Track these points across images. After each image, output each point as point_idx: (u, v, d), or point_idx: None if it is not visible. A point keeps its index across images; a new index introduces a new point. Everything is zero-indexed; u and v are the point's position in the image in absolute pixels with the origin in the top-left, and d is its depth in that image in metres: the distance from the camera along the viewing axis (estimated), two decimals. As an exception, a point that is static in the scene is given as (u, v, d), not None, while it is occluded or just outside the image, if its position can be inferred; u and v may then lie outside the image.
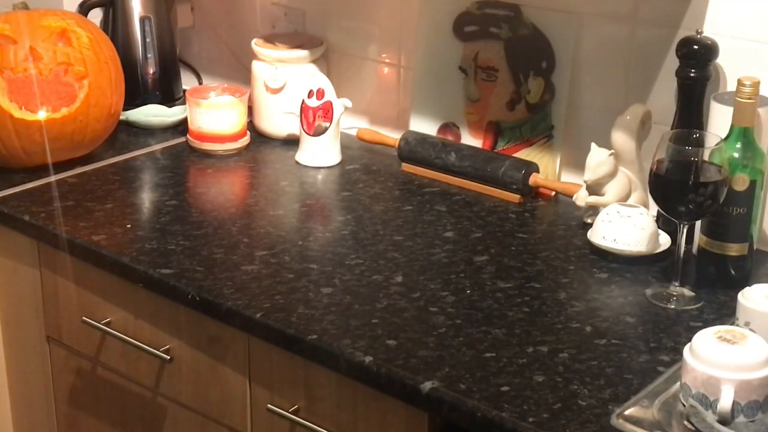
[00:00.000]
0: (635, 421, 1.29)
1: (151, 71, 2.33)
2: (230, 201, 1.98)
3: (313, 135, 2.06)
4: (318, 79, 2.08)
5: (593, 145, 1.77)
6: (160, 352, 1.70)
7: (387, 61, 2.18)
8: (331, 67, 2.23)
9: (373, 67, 2.20)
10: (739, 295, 1.44)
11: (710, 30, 1.71)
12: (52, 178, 1.98)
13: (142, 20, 2.31)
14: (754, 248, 1.64)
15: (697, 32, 1.68)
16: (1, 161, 2.00)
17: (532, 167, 1.92)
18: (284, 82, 2.14)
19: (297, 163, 2.08)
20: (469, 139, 2.04)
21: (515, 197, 1.91)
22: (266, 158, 2.13)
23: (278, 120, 2.16)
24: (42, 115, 1.97)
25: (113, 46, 2.12)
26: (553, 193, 1.93)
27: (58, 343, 1.90)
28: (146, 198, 1.99)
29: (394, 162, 2.07)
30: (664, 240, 1.71)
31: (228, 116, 2.11)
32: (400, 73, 2.17)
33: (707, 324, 1.47)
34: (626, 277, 1.64)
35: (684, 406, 1.30)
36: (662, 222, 1.73)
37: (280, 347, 1.52)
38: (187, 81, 2.46)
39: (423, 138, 2.03)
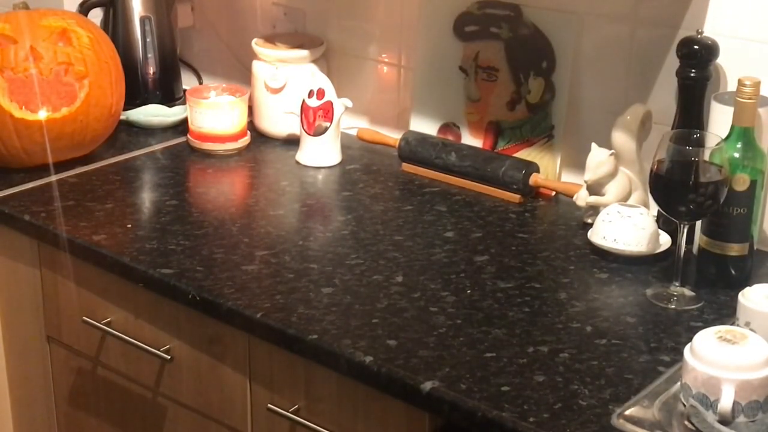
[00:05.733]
0: (636, 421, 1.29)
1: (151, 71, 2.33)
2: (230, 201, 1.98)
3: (314, 135, 2.06)
4: (318, 79, 2.08)
5: (593, 145, 1.77)
6: (161, 351, 1.70)
7: (387, 61, 2.18)
8: (332, 67, 2.23)
9: (374, 67, 2.20)
10: (740, 295, 1.44)
11: (711, 30, 1.70)
12: (53, 178, 1.98)
13: (143, 20, 2.31)
14: (755, 248, 1.64)
15: (698, 32, 1.68)
16: (1, 161, 2.00)
17: (532, 167, 1.92)
18: (284, 82, 2.14)
19: (297, 163, 2.08)
20: (470, 139, 2.04)
21: (515, 197, 1.91)
22: (266, 158, 2.13)
23: (278, 120, 2.16)
24: (42, 114, 1.97)
25: (113, 46, 2.12)
26: (554, 193, 1.93)
27: (58, 343, 1.90)
28: (146, 198, 1.99)
29: (394, 162, 2.07)
30: (665, 240, 1.71)
31: (228, 116, 2.11)
32: (400, 73, 2.17)
33: (708, 324, 1.47)
34: (626, 277, 1.64)
35: (684, 406, 1.30)
36: (662, 222, 1.73)
37: (281, 347, 1.52)
38: (188, 81, 2.46)
39: (423, 138, 2.03)
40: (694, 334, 1.33)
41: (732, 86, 1.62)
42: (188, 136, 2.16)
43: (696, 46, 1.67)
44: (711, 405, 1.26)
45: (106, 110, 2.05)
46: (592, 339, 1.47)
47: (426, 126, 2.09)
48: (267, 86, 2.16)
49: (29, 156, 1.99)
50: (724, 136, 1.55)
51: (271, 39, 2.22)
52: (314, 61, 2.17)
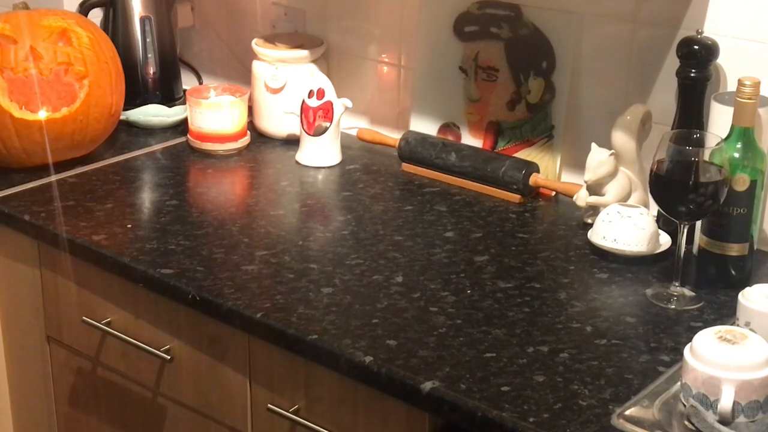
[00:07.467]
0: (636, 421, 1.29)
1: (151, 71, 2.33)
2: (230, 201, 1.98)
3: (314, 135, 2.06)
4: (318, 79, 2.08)
5: (593, 145, 1.77)
6: (161, 352, 1.70)
7: (387, 61, 2.18)
8: (332, 67, 2.23)
9: (374, 67, 2.20)
10: (740, 296, 1.44)
11: (710, 30, 1.71)
12: (53, 178, 1.98)
13: (143, 20, 2.31)
14: (755, 248, 1.64)
15: (698, 32, 1.68)
16: (1, 161, 2.00)
17: (532, 167, 1.92)
18: (284, 82, 2.14)
19: (297, 163, 2.08)
20: (470, 139, 2.04)
21: (515, 197, 1.91)
22: (266, 158, 2.13)
23: (278, 120, 2.16)
24: (42, 114, 1.97)
25: (113, 46, 2.12)
26: (554, 193, 1.93)
27: (58, 343, 1.90)
28: (146, 198, 1.99)
29: (394, 162, 2.07)
30: (665, 240, 1.71)
31: (228, 116, 2.11)
32: (400, 73, 2.17)
33: (708, 324, 1.47)
34: (626, 277, 1.64)
35: (684, 406, 1.30)
36: (662, 222, 1.73)
37: (281, 347, 1.52)
38: (188, 81, 2.46)
39: (423, 138, 2.03)
40: (694, 334, 1.33)
41: (732, 86, 1.62)
42: (188, 136, 2.16)
43: (696, 46, 1.67)
44: (711, 405, 1.26)
45: (106, 110, 2.05)
46: (592, 339, 1.47)
47: (426, 126, 2.09)
48: (267, 86, 2.16)
49: (29, 156, 1.99)
50: (724, 136, 1.55)
51: (271, 39, 2.22)
52: (314, 61, 2.17)
